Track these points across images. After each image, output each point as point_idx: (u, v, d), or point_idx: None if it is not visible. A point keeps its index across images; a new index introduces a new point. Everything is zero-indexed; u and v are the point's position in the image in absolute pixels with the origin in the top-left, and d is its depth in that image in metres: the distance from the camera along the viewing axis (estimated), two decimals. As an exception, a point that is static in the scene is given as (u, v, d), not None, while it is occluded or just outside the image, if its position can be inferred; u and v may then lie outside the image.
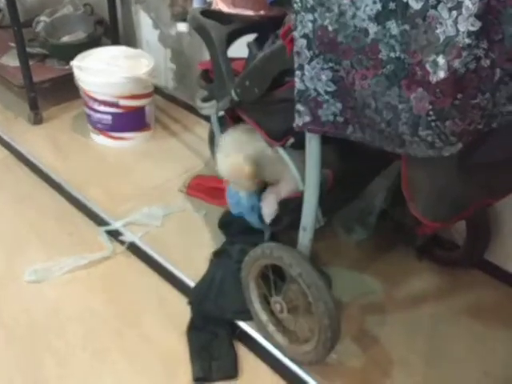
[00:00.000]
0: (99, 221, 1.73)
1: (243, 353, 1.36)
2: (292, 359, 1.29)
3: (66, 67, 2.18)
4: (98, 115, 2.04)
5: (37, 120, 2.21)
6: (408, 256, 1.61)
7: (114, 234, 1.68)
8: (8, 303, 1.46)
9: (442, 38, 0.75)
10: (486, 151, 0.95)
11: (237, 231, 1.57)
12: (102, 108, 2.01)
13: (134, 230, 1.68)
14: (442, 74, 0.75)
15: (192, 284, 1.48)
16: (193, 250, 1.61)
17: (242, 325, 1.38)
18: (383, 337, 1.38)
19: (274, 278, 1.25)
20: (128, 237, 1.65)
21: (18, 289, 1.51)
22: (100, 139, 2.12)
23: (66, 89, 2.19)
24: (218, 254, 1.54)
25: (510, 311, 1.48)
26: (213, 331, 1.37)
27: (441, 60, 0.75)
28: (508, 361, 1.33)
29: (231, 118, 1.46)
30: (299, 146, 1.13)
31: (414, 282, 1.55)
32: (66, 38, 2.40)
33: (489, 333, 1.41)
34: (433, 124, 0.80)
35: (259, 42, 1.28)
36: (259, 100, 1.18)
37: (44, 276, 1.54)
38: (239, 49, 1.34)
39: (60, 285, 1.53)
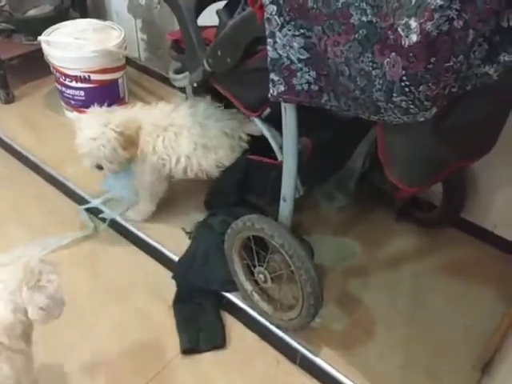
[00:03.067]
0: (78, 199, 1.72)
1: (230, 322, 1.39)
2: (277, 326, 1.32)
3: (35, 42, 2.10)
4: (70, 91, 1.98)
5: (8, 99, 2.15)
6: (387, 219, 1.64)
7: (95, 212, 1.67)
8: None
9: (413, -1, 0.73)
10: (460, 114, 0.95)
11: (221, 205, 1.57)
12: (74, 84, 1.95)
13: (113, 206, 1.67)
14: (414, 38, 0.74)
15: (176, 258, 1.49)
16: (174, 224, 1.61)
17: (228, 295, 1.40)
18: (365, 298, 1.42)
19: (256, 248, 1.27)
20: (108, 214, 1.63)
21: None
22: (74, 115, 2.06)
23: (37, 65, 2.12)
24: (200, 227, 1.54)
25: (486, 267, 1.53)
26: (199, 303, 1.40)
27: (413, 23, 0.73)
28: (485, 315, 1.38)
29: (203, 89, 1.44)
30: (276, 115, 1.12)
31: (394, 243, 1.59)
32: (32, 12, 2.30)
33: (467, 289, 1.46)
34: (407, 89, 0.79)
35: (229, 9, 1.24)
36: (233, 70, 1.16)
37: (26, 258, 1.53)
38: (210, 16, 1.30)
39: (43, 266, 1.52)
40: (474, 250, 1.57)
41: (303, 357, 1.28)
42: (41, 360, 1.26)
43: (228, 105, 1.40)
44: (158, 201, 1.60)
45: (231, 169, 1.43)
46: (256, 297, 1.35)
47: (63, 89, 2.00)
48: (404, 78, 0.78)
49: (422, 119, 0.85)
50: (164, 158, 1.43)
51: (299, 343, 1.29)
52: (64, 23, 2.06)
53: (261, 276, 1.29)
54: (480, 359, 1.26)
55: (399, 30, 0.75)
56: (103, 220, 1.63)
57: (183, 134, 1.40)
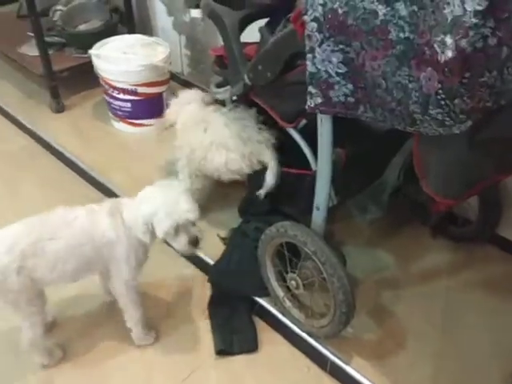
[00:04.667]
0: (122, 204, 1.80)
1: (262, 327, 1.42)
2: (308, 333, 1.34)
3: (84, 55, 2.22)
4: (118, 103, 2.09)
5: (59, 108, 2.27)
6: (422, 233, 1.64)
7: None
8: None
9: (449, 17, 0.76)
10: (495, 128, 0.97)
11: (253, 213, 1.61)
12: (121, 96, 2.06)
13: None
14: (449, 54, 0.77)
15: (211, 262, 1.54)
16: (210, 230, 1.65)
17: (260, 300, 1.44)
18: (398, 310, 1.42)
19: (289, 255, 1.30)
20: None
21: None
22: (120, 126, 2.18)
23: (86, 77, 2.24)
24: (234, 233, 1.59)
25: (521, 285, 1.51)
26: (233, 307, 1.44)
27: (448, 40, 0.77)
28: (519, 332, 1.36)
29: (243, 103, 1.50)
30: (311, 127, 1.16)
31: (427, 257, 1.59)
32: (82, 27, 2.45)
33: (501, 305, 1.44)
34: (442, 102, 0.83)
35: (271, 27, 1.30)
36: (272, 83, 1.22)
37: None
38: (252, 33, 1.37)
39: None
40: (509, 267, 1.55)
41: (334, 365, 1.30)
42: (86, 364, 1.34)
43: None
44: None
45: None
46: (288, 303, 1.37)
47: (111, 100, 2.11)
48: (440, 91, 0.81)
49: (457, 131, 0.88)
50: (193, 148, 1.53)
51: (330, 351, 1.31)
52: (112, 38, 2.18)
53: (293, 282, 1.32)
54: (513, 376, 1.25)
55: (435, 46, 0.79)
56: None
57: (207, 130, 1.50)
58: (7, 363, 1.33)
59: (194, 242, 1.20)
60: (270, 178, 1.41)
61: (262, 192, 1.42)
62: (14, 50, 2.38)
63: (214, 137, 1.48)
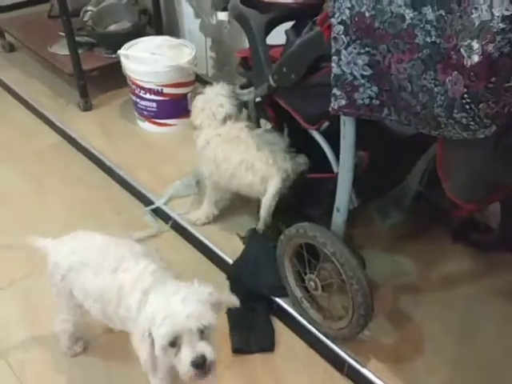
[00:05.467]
0: (146, 201, 1.84)
1: (279, 327, 1.43)
2: (326, 335, 1.35)
3: (113, 56, 2.27)
4: (144, 102, 2.13)
5: (87, 107, 2.33)
6: (443, 238, 1.63)
7: (160, 213, 1.78)
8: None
9: (476, 22, 0.77)
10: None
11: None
12: (148, 95, 2.10)
13: (176, 206, 1.77)
14: (476, 58, 0.78)
15: (230, 260, 1.56)
16: (231, 229, 1.69)
17: (278, 300, 1.45)
18: (416, 315, 1.42)
19: (308, 256, 1.30)
20: (172, 215, 1.74)
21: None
22: (146, 125, 2.22)
23: (114, 77, 2.29)
24: (253, 233, 1.60)
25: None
26: (251, 306, 1.45)
27: (475, 44, 0.77)
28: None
29: (267, 104, 1.52)
30: (334, 129, 1.17)
31: (448, 264, 1.57)
32: (112, 28, 2.50)
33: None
34: (467, 107, 0.83)
35: (297, 29, 1.32)
36: (296, 85, 1.23)
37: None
38: (278, 36, 1.38)
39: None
40: (531, 276, 1.53)
41: (351, 367, 1.30)
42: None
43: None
44: (219, 204, 1.69)
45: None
46: (306, 304, 1.38)
47: (137, 100, 2.15)
48: (465, 95, 0.82)
49: (481, 136, 0.88)
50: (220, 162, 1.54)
51: (347, 353, 1.31)
52: (141, 39, 2.22)
53: (311, 283, 1.32)
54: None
55: (462, 50, 0.79)
56: (166, 221, 1.74)
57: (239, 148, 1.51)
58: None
59: (200, 364, 0.88)
60: (262, 211, 1.42)
61: (259, 227, 1.44)
62: (45, 50, 2.45)
63: (245, 156, 1.47)
